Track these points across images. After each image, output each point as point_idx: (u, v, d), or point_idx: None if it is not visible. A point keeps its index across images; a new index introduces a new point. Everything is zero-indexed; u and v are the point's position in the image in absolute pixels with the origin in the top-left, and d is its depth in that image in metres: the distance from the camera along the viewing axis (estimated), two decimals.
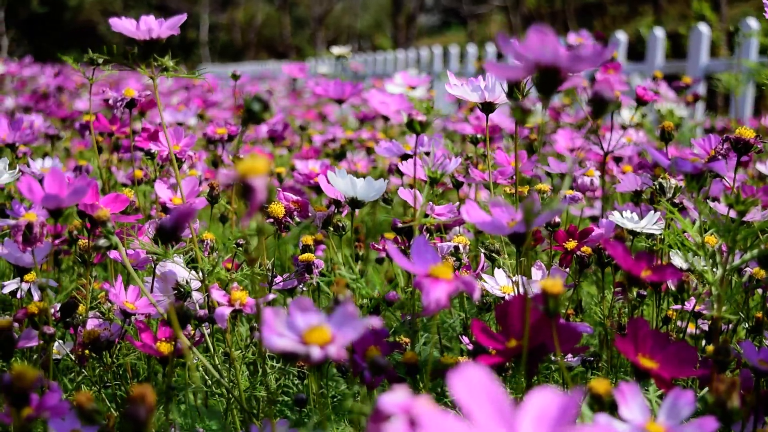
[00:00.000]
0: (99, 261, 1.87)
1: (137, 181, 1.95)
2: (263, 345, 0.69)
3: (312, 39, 24.68)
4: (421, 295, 0.77)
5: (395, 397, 0.65)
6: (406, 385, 0.69)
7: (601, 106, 0.76)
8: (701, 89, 5.03)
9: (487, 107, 1.25)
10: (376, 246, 1.44)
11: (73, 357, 1.21)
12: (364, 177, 1.32)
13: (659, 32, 5.64)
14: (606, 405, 0.77)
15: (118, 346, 1.19)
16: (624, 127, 2.93)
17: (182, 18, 1.16)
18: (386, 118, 2.30)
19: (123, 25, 1.13)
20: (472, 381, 0.49)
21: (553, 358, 1.20)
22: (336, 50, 3.43)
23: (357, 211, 1.45)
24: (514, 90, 1.15)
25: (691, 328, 1.38)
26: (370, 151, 2.72)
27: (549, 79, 0.75)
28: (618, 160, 2.16)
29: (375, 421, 0.65)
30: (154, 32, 1.13)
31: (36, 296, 1.28)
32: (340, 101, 2.36)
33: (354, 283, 1.06)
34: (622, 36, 5.80)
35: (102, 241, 0.94)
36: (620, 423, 0.73)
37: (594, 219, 2.26)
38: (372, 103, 2.32)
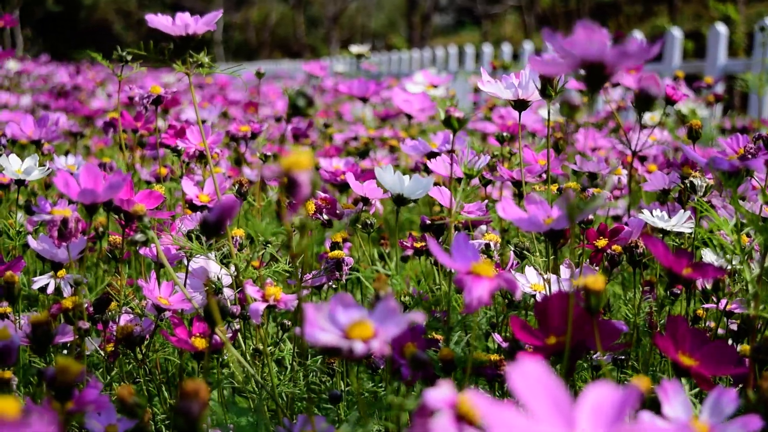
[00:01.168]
0: (125, 257, 1.87)
1: (162, 179, 1.95)
2: (304, 340, 0.69)
3: (326, 38, 24.69)
4: (463, 292, 0.77)
5: (440, 393, 0.65)
6: (449, 381, 0.68)
7: (647, 102, 0.76)
8: (719, 89, 5.01)
9: (520, 104, 1.25)
10: (405, 243, 1.44)
11: (102, 353, 1.21)
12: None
13: (676, 32, 5.63)
14: (647, 402, 0.77)
15: (148, 342, 1.19)
16: (644, 127, 2.92)
17: (218, 14, 1.16)
18: (409, 117, 2.30)
19: (159, 21, 1.13)
20: (531, 375, 0.49)
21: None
22: (355, 49, 3.43)
23: (382, 208, 1.45)
24: (547, 87, 1.15)
25: (720, 328, 1.37)
26: (393, 149, 2.72)
27: (595, 75, 0.74)
28: (642, 159, 2.16)
29: (421, 416, 0.65)
30: (191, 28, 1.13)
31: (66, 292, 1.28)
32: (364, 99, 2.36)
33: (389, 279, 1.06)
34: (639, 35, 5.78)
35: (139, 236, 0.94)
36: (662, 420, 0.72)
37: (617, 218, 2.25)
38: (396, 101, 2.32)
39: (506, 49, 7.60)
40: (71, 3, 24.85)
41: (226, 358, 1.22)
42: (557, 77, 1.16)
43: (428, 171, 1.76)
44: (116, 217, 1.20)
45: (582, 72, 0.75)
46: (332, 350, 0.68)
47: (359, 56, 3.32)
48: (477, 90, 4.20)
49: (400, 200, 1.30)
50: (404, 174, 1.33)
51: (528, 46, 7.25)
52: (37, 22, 23.37)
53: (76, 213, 1.01)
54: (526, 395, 0.49)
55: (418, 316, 0.70)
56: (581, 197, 1.33)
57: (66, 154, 2.48)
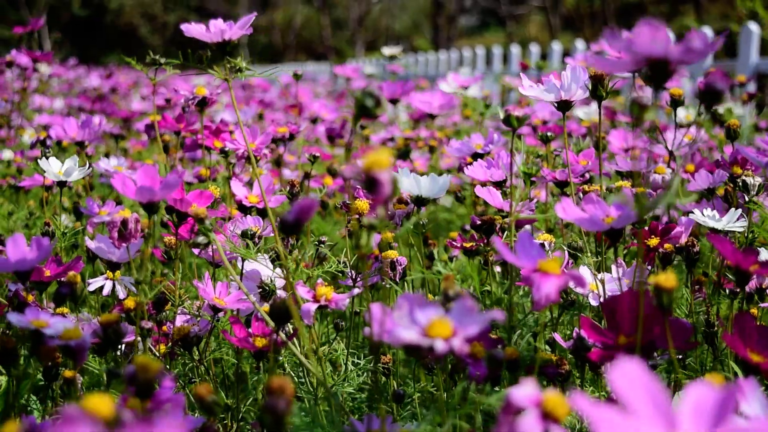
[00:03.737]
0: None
1: (205, 179, 1.97)
2: (372, 339, 0.69)
3: (351, 40, 24.70)
4: (532, 290, 0.78)
5: (525, 391, 0.65)
6: (532, 379, 0.68)
7: (714, 97, 0.76)
8: (751, 88, 4.98)
9: (564, 105, 1.24)
10: (454, 243, 1.44)
11: (156, 353, 1.22)
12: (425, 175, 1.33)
13: (708, 31, 5.60)
14: None
15: (205, 343, 1.20)
16: (680, 126, 2.90)
17: (251, 17, 1.17)
18: (432, 116, 2.30)
19: (195, 30, 1.15)
20: (631, 375, 0.49)
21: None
22: (387, 50, 3.43)
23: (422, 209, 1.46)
24: (598, 88, 1.15)
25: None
26: (432, 149, 2.72)
27: (659, 71, 0.75)
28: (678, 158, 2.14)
29: (506, 413, 0.65)
30: (227, 34, 1.15)
31: (122, 293, 1.29)
32: (393, 101, 2.36)
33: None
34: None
35: (201, 239, 0.95)
36: (743, 419, 0.72)
37: (656, 218, 2.23)
38: (414, 104, 2.33)
39: (534, 49, 7.58)
40: (97, 7, 25.00)
41: (281, 359, 1.23)
42: (608, 78, 1.16)
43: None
44: (167, 217, 1.20)
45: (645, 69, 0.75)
46: (413, 348, 0.68)
47: (391, 57, 3.32)
48: (507, 90, 4.19)
49: (419, 201, 1.32)
50: (440, 175, 1.33)
51: (557, 47, 7.23)
52: (63, 27, 23.54)
53: (135, 214, 1.02)
54: (627, 395, 0.49)
55: (499, 315, 0.70)
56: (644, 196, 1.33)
57: (106, 156, 2.50)
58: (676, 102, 1.50)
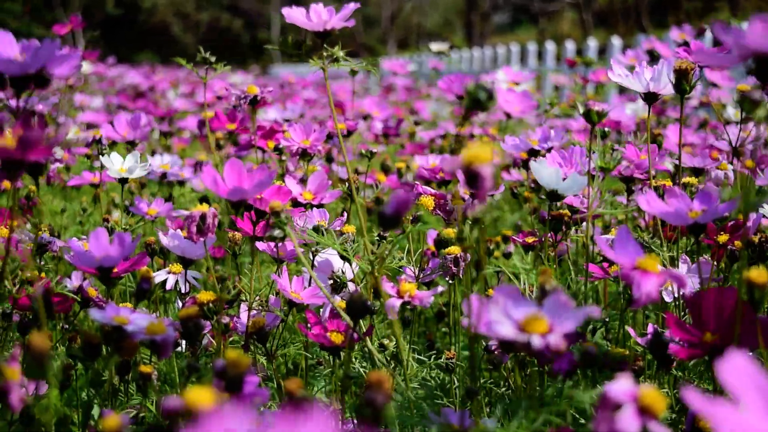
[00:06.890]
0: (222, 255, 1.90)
1: None
2: (469, 332, 0.69)
3: (383, 38, 24.71)
4: (632, 287, 0.77)
5: (623, 385, 0.65)
6: (627, 374, 0.68)
7: None
8: None
9: (651, 97, 1.23)
10: (516, 239, 1.44)
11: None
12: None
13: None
14: None
15: (278, 336, 1.20)
16: (728, 122, 2.88)
17: (352, 9, 1.16)
18: (508, 115, 2.27)
19: (296, 16, 1.14)
20: (742, 370, 0.49)
21: None
22: (435, 47, 3.42)
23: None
24: (682, 82, 1.14)
25: None
26: None
27: (766, 67, 0.74)
28: (737, 154, 2.12)
29: (603, 409, 0.64)
30: (329, 23, 1.14)
31: (184, 287, 1.30)
32: (460, 97, 2.33)
33: (526, 274, 1.05)
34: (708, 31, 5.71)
35: (277, 232, 0.95)
36: None
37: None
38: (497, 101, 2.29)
39: (570, 46, 7.55)
40: (131, 6, 25.16)
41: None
42: (692, 72, 1.15)
43: (527, 167, 1.76)
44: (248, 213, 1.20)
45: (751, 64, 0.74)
46: (509, 343, 0.68)
47: (439, 53, 3.30)
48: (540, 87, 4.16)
49: (554, 196, 1.29)
50: None
51: (592, 43, 7.19)
52: (96, 26, 23.73)
53: (213, 209, 1.02)
54: (739, 390, 0.48)
55: (595, 310, 0.69)
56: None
57: (152, 153, 2.52)
58: None
